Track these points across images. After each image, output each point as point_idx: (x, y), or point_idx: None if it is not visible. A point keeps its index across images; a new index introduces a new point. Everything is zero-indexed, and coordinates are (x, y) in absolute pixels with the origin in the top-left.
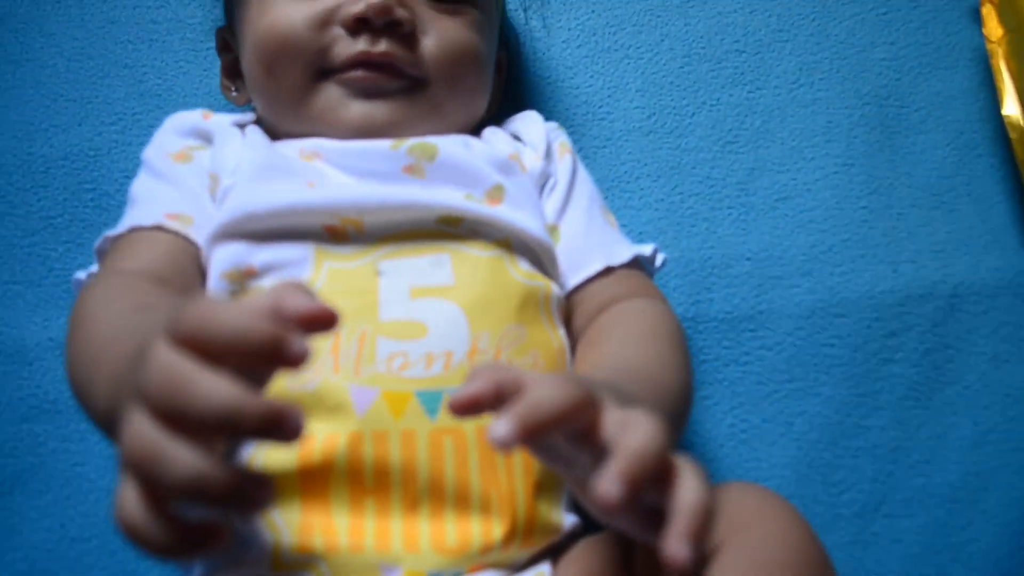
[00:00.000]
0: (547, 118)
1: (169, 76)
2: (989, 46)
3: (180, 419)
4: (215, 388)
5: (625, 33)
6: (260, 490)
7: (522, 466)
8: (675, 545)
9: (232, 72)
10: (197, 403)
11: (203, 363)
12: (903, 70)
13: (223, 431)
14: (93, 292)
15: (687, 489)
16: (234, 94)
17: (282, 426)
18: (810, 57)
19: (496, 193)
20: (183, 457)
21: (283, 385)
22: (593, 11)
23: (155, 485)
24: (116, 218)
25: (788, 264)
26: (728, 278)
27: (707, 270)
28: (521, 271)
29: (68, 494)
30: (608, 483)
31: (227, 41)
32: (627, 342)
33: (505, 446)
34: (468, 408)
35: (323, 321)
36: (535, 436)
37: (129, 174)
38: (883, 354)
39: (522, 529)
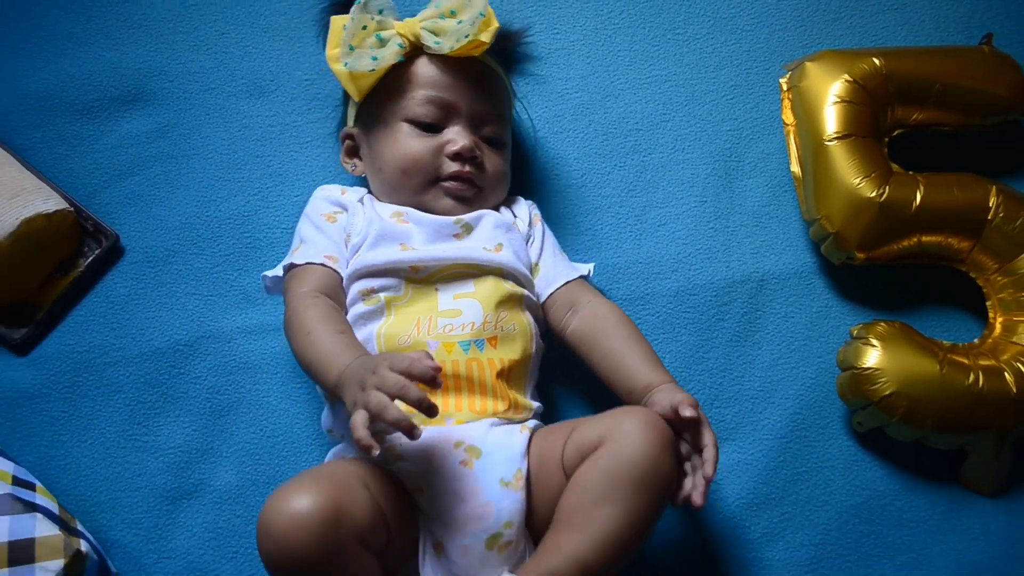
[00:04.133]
0: (521, 180)
1: (287, 161)
2: (785, 127)
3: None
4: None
5: (565, 120)
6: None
7: (505, 377)
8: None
9: (351, 153)
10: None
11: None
12: (742, 137)
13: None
14: (307, 312)
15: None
16: (351, 169)
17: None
18: (682, 131)
19: (498, 247)
20: (392, 407)
21: (397, 342)
22: (545, 107)
23: (380, 415)
24: (267, 254)
25: (663, 265)
26: (628, 275)
27: (616, 270)
28: (509, 284)
29: (262, 413)
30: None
31: (352, 136)
32: (634, 339)
33: None
34: None
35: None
36: None
37: (272, 226)
38: (718, 315)
39: (513, 405)
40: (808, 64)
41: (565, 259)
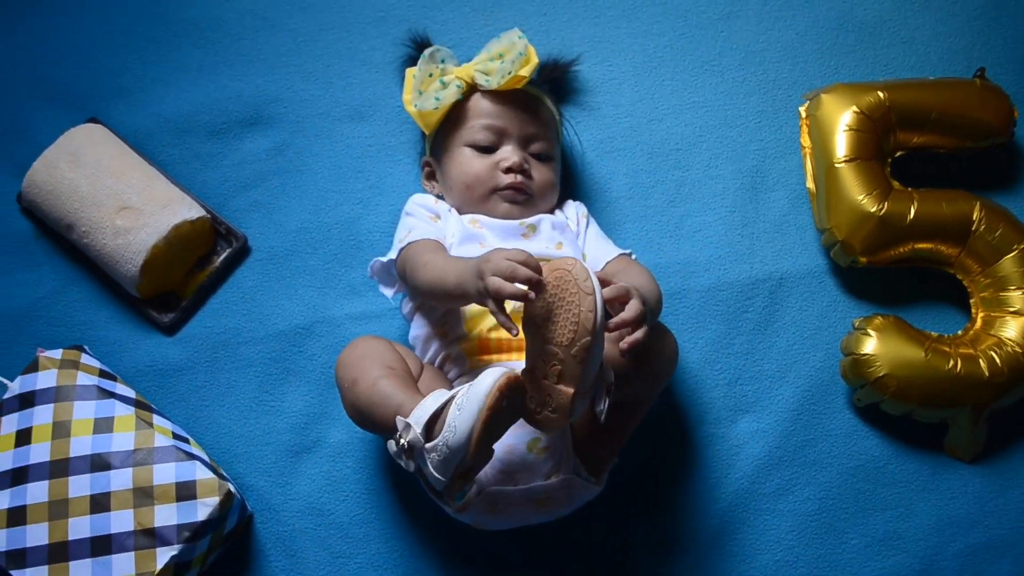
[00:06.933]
0: (574, 194)
1: (384, 176)
2: (802, 150)
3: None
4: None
5: (616, 142)
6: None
7: None
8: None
9: (429, 177)
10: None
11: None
12: (767, 155)
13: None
14: (422, 255)
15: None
16: (431, 190)
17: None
18: (715, 151)
19: (559, 245)
20: (511, 287)
21: (482, 320)
22: (598, 130)
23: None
24: (369, 253)
25: (698, 266)
26: (668, 273)
27: (658, 269)
28: None
29: None
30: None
31: (429, 163)
32: (636, 277)
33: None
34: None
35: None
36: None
37: (372, 230)
38: (743, 308)
39: None
40: (823, 96)
41: (608, 243)
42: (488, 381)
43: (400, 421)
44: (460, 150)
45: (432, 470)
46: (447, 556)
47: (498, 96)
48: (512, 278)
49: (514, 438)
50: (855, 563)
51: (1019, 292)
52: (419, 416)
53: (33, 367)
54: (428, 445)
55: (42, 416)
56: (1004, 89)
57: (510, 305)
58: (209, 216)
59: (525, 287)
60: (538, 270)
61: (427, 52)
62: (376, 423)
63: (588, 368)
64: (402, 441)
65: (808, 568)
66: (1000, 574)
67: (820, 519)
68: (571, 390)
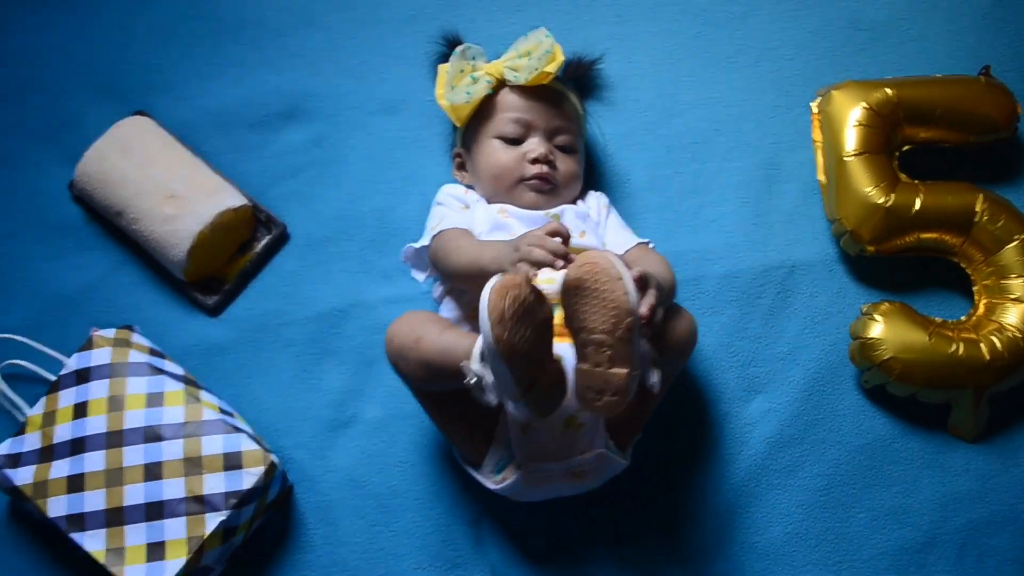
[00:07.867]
0: (597, 185)
1: (415, 167)
2: (814, 144)
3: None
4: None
5: (636, 135)
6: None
7: None
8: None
9: (460, 168)
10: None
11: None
12: (780, 149)
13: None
14: (455, 240)
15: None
16: (461, 179)
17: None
18: (732, 144)
19: (582, 234)
20: (540, 252)
21: None
22: (620, 124)
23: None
24: (402, 240)
25: (714, 254)
26: (685, 261)
27: (676, 256)
28: None
29: None
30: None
31: (460, 154)
32: (652, 264)
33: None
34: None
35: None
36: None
37: (404, 218)
38: (756, 294)
39: None
40: (834, 92)
41: (627, 231)
42: (485, 292)
43: (463, 366)
44: (489, 142)
45: (505, 395)
46: (477, 525)
47: (525, 91)
48: (542, 247)
49: (552, 416)
50: (861, 536)
51: (1020, 280)
52: (474, 353)
53: (88, 345)
54: (487, 375)
55: (98, 391)
56: (1008, 86)
57: (542, 285)
58: (251, 204)
59: (551, 256)
60: (567, 237)
61: (459, 49)
62: (448, 371)
63: (635, 347)
64: (472, 381)
65: (816, 541)
66: (1000, 548)
67: (828, 494)
68: (625, 371)
